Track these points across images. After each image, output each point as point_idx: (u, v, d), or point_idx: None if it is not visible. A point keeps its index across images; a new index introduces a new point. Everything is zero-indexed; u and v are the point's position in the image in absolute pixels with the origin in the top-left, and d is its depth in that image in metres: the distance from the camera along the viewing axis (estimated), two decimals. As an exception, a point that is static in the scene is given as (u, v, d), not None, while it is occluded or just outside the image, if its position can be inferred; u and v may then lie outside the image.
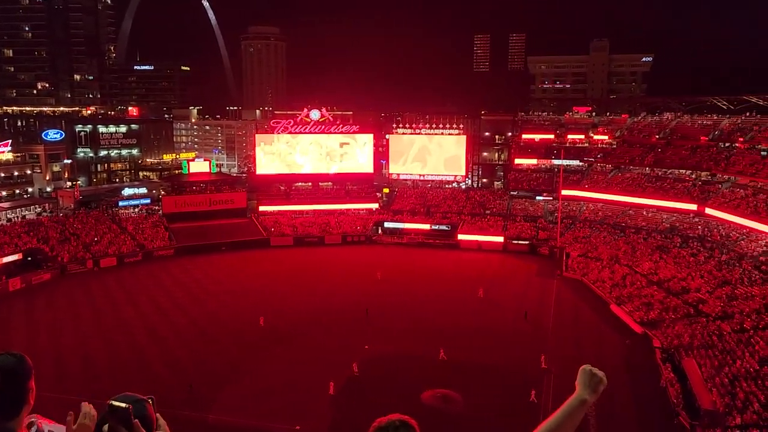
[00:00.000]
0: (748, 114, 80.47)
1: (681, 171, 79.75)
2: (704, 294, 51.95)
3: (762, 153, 69.17)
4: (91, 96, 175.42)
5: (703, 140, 79.04)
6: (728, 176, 73.33)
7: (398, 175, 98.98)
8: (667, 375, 39.82)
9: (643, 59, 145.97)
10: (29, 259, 67.35)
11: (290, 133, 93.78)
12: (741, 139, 73.66)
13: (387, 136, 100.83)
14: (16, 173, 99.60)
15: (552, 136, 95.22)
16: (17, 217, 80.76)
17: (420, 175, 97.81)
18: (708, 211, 70.69)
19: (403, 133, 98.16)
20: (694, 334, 44.96)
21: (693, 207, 73.12)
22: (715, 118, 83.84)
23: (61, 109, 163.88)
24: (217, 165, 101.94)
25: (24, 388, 3.27)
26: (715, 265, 57.56)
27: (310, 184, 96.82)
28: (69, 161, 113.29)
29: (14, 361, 3.29)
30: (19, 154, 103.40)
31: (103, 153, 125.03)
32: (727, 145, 76.18)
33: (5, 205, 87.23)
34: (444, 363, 42.57)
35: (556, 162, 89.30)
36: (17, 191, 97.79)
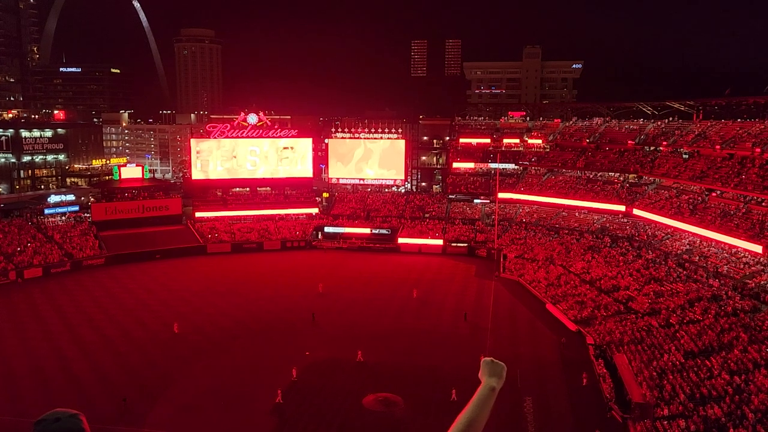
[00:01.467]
0: (671, 119, 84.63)
1: (610, 174, 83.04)
2: (633, 291, 54.16)
3: (684, 156, 72.88)
4: (12, 99, 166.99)
5: (630, 144, 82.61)
6: (654, 178, 76.89)
7: (338, 179, 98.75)
8: (600, 370, 41.25)
9: (574, 66, 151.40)
10: (-55, 271, 63.27)
11: (227, 137, 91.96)
12: (665, 143, 77.37)
13: (326, 141, 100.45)
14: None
15: (488, 141, 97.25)
16: (-69, 227, 75.75)
17: (359, 180, 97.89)
18: (635, 211, 73.93)
19: (342, 138, 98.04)
20: (625, 330, 46.77)
21: (621, 208, 76.30)
22: (641, 122, 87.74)
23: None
24: (150, 170, 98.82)
25: None
26: (643, 264, 60.10)
27: (248, 189, 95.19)
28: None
29: None
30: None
31: (26, 158, 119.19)
32: (652, 148, 79.86)
33: None
34: (375, 366, 42.61)
35: (493, 165, 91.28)
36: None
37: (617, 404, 36.51)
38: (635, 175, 79.77)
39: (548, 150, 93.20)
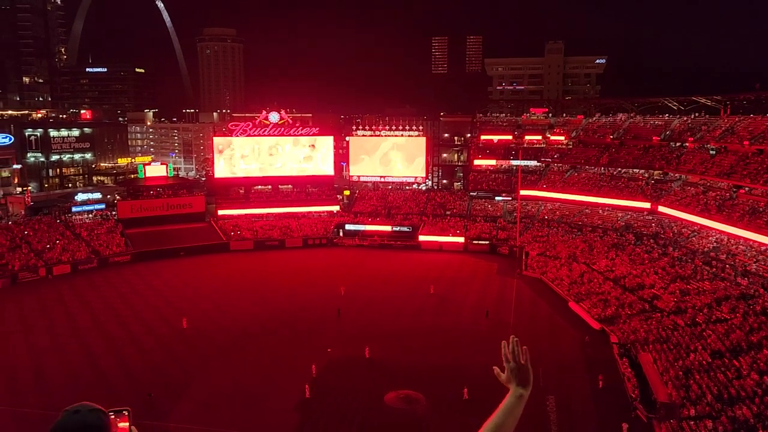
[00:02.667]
0: (697, 114, 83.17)
1: (634, 170, 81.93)
2: (658, 290, 53.43)
3: (711, 152, 71.60)
4: (41, 99, 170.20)
5: (655, 140, 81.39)
6: (679, 175, 75.67)
7: (359, 177, 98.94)
8: (624, 369, 40.80)
9: (597, 61, 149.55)
10: (-24, 268, 64.79)
11: (249, 135, 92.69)
12: (691, 139, 76.10)
13: (347, 138, 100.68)
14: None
15: (510, 137, 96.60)
16: (-37, 224, 77.64)
17: (380, 177, 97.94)
18: (661, 208, 72.86)
19: (363, 135, 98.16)
20: (650, 329, 46.18)
21: (646, 205, 75.24)
22: (666, 118, 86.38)
23: (10, 112, 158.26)
24: (174, 169, 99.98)
25: None
26: (669, 262, 59.26)
27: (269, 187, 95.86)
28: (19, 166, 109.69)
29: None
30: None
31: (54, 157, 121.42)
32: (677, 144, 78.58)
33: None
34: (396, 363, 42.63)
35: (515, 163, 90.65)
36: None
37: (642, 404, 36.09)
38: (660, 172, 78.57)
39: (571, 146, 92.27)
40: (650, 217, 73.54)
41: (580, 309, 54.90)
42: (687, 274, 54.68)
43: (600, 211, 79.73)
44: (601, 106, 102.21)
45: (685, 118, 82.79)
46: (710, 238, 61.91)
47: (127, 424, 3.25)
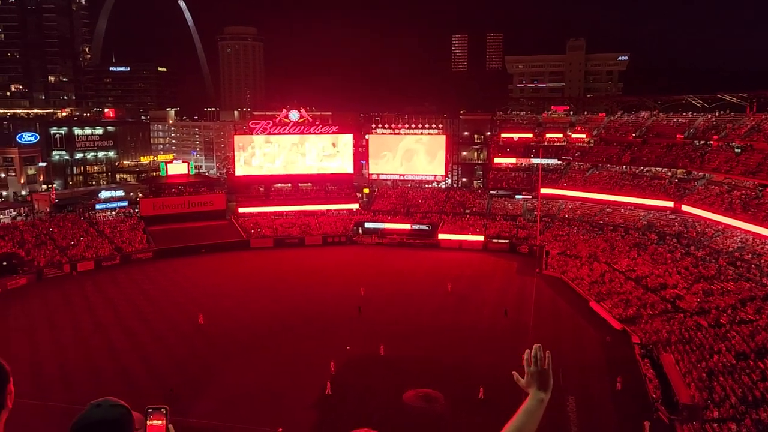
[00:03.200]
0: (721, 112, 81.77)
1: (657, 169, 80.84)
2: (681, 290, 52.71)
3: (736, 150, 70.38)
4: (65, 98, 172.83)
5: (679, 138, 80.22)
6: (703, 173, 74.47)
7: (378, 175, 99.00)
8: (646, 370, 40.33)
9: (619, 58, 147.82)
10: (5, 263, 66.04)
11: (269, 134, 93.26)
12: (715, 137, 74.86)
13: (366, 137, 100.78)
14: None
15: (530, 135, 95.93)
16: (-9, 221, 79.24)
17: (400, 175, 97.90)
18: (684, 208, 71.79)
19: (383, 133, 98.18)
20: (672, 329, 45.59)
21: (669, 204, 74.20)
22: (690, 116, 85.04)
23: (36, 111, 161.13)
24: (195, 167, 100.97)
25: (1, 391, 3.19)
26: (692, 262, 58.42)
27: (289, 185, 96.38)
28: (44, 164, 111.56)
29: None
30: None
31: (79, 155, 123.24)
32: (702, 142, 77.34)
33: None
34: (414, 361, 42.58)
35: (535, 161, 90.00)
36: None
37: (664, 405, 35.65)
38: (684, 171, 77.44)
39: (592, 145, 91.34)
40: (673, 217, 72.52)
41: (601, 309, 54.38)
42: (711, 275, 53.84)
43: (622, 210, 78.82)
44: (623, 103, 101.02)
45: (709, 116, 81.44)
46: (735, 237, 60.85)
47: (162, 422, 3.27)
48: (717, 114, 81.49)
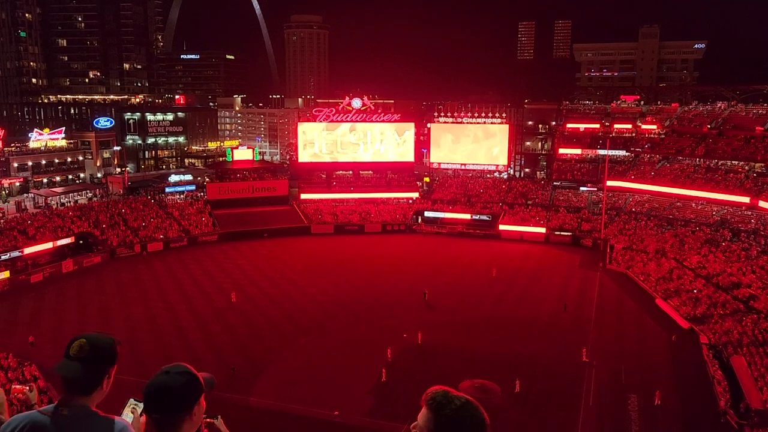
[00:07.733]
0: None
1: (733, 162, 76.91)
2: (756, 290, 50.17)
3: (821, 144, 66.13)
4: (139, 84, 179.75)
5: (758, 130, 75.98)
6: (784, 168, 70.37)
7: (439, 164, 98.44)
8: (714, 372, 38.71)
9: (696, 46, 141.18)
10: (81, 242, 69.78)
11: (332, 121, 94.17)
12: (799, 130, 70.57)
13: (428, 125, 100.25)
14: (69, 159, 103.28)
15: (597, 126, 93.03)
16: (70, 201, 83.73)
17: (461, 165, 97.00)
18: (762, 204, 68.01)
19: (445, 122, 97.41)
20: (744, 330, 43.52)
21: (745, 200, 70.49)
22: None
23: (111, 97, 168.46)
24: (259, 153, 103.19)
25: (103, 371, 3.41)
26: (768, 261, 55.46)
27: (350, 172, 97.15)
28: (118, 148, 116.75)
29: (108, 343, 3.46)
30: (71, 141, 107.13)
31: (150, 140, 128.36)
32: (783, 135, 73.07)
33: (59, 190, 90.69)
34: (471, 352, 42.29)
35: (602, 152, 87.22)
36: (70, 177, 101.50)
37: (732, 409, 34.15)
38: (762, 165, 73.36)
39: (663, 136, 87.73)
40: (749, 213, 68.91)
41: (668, 306, 52.44)
42: (789, 275, 51.00)
43: (693, 205, 75.52)
44: (698, 93, 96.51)
45: (793, 107, 76.80)
46: (817, 236, 57.38)
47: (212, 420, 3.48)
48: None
